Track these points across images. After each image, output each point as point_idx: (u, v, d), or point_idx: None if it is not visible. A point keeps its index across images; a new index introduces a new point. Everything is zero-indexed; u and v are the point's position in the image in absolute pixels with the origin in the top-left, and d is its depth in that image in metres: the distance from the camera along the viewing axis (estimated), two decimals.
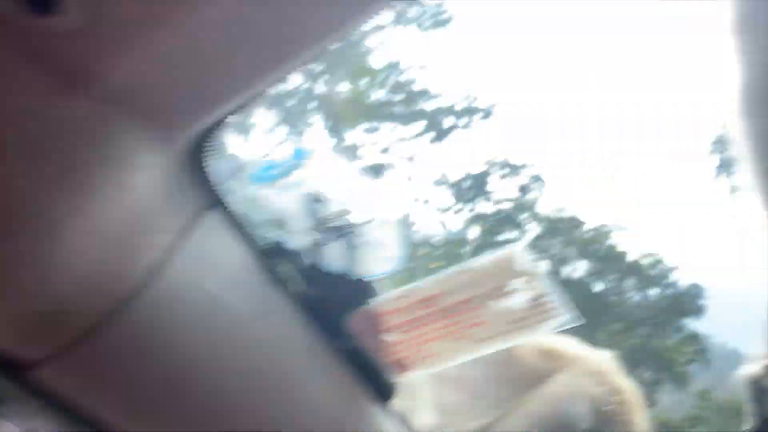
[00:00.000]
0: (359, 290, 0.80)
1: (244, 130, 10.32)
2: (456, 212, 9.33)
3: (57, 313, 0.54)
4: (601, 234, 9.28)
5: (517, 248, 0.90)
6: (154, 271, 0.59)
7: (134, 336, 0.59)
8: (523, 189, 9.31)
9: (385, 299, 0.85)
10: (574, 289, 8.65)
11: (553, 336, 1.00)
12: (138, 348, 0.60)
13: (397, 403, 0.91)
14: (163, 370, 0.63)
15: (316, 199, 0.82)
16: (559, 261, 8.98)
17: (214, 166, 0.66)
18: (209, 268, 0.65)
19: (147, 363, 0.62)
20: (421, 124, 9.69)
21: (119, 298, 0.57)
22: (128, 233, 0.57)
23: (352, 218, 0.78)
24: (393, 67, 9.87)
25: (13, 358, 0.56)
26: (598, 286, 9.29)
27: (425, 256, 8.60)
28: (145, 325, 0.59)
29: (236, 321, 0.68)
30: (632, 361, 8.26)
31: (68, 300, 0.54)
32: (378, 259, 0.80)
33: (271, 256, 0.74)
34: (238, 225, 0.70)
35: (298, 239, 0.75)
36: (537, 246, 8.72)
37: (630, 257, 9.31)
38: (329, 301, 0.79)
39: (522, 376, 1.15)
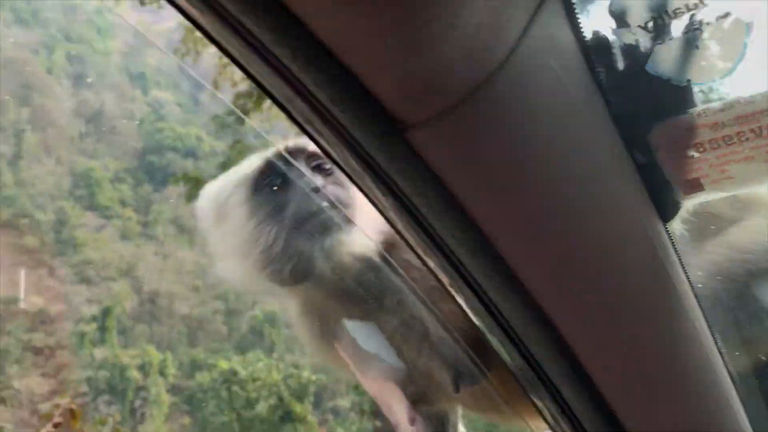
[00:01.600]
0: (676, 98, 0.77)
1: None
2: None
3: (439, 76, 0.58)
4: None
5: None
6: (513, 46, 0.60)
7: (496, 110, 0.63)
8: None
9: (701, 111, 0.80)
10: None
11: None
12: (497, 123, 0.64)
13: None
14: (513, 152, 0.67)
15: None
16: None
17: None
18: (552, 50, 0.66)
19: (501, 141, 0.66)
20: None
21: (488, 69, 0.60)
22: (495, 7, 0.58)
23: (700, 14, 0.72)
24: None
25: (394, 118, 0.62)
26: None
27: None
28: (505, 100, 0.63)
29: (569, 108, 0.69)
30: None
31: (449, 65, 0.58)
32: (710, 66, 0.74)
33: (599, 52, 0.72)
34: (573, 14, 0.69)
35: (630, 36, 0.72)
36: None
37: None
38: (642, 106, 0.76)
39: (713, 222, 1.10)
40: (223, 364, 23.95)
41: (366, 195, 0.69)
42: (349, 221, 1.47)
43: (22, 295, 46.11)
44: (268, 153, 1.61)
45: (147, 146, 60.35)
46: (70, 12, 65.23)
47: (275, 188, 1.52)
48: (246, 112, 13.00)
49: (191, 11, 0.56)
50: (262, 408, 22.22)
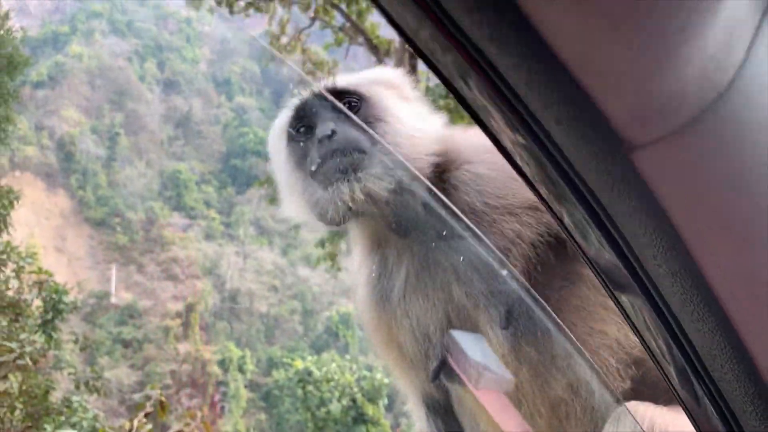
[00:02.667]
0: None
1: None
2: None
3: (674, 97, 0.60)
4: None
5: None
6: (740, 64, 0.62)
7: (722, 131, 0.64)
8: None
9: None
10: None
11: None
12: (722, 145, 0.65)
13: None
14: (734, 175, 0.67)
15: None
16: None
17: None
18: None
19: (724, 164, 0.66)
20: None
21: (718, 89, 0.61)
22: (728, 25, 0.59)
23: None
24: None
25: (620, 138, 0.63)
26: None
27: None
28: (731, 121, 0.64)
29: None
30: None
31: (685, 86, 0.59)
32: None
33: None
34: None
35: None
36: None
37: None
38: None
39: None
40: (299, 364, 24.39)
41: (574, 214, 0.69)
42: (370, 160, 1.40)
43: (113, 290, 48.73)
44: (301, 97, 1.58)
45: (231, 150, 62.57)
46: (162, 22, 68.52)
47: (300, 138, 1.52)
48: None
49: (408, 24, 0.59)
50: (335, 408, 22.48)
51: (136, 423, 5.15)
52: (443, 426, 1.58)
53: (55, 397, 8.41)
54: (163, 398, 5.76)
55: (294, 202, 1.59)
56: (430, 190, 1.37)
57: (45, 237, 44.68)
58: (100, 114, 59.72)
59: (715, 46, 0.59)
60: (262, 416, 46.28)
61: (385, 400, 22.94)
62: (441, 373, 1.42)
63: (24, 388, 7.55)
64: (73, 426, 7.78)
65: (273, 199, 14.20)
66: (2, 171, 38.50)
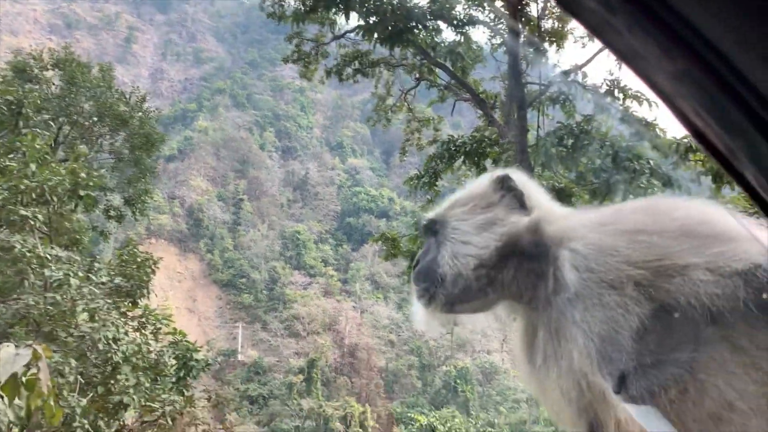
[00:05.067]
0: None
1: None
2: None
3: None
4: None
5: None
6: None
7: None
8: None
9: None
10: None
11: None
12: None
13: None
14: None
15: None
16: None
17: None
18: None
19: None
20: None
21: None
22: None
23: None
24: None
25: None
26: None
27: None
28: None
29: None
30: None
31: None
32: None
33: None
34: None
35: None
36: None
37: None
38: None
39: None
40: (421, 419, 24.11)
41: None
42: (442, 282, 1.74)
43: (239, 348, 50.92)
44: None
45: (345, 209, 64.67)
46: (278, 93, 73.22)
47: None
48: (437, 174, 13.55)
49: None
50: None
51: None
52: None
53: None
54: None
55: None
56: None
57: (178, 299, 47.83)
58: (225, 182, 64.10)
59: None
60: None
61: None
62: None
63: None
64: None
65: (388, 255, 14.42)
66: (139, 239, 42.01)
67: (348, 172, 67.16)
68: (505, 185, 1.71)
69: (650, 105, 10.83)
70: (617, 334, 1.38)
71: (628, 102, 11.72)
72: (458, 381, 48.63)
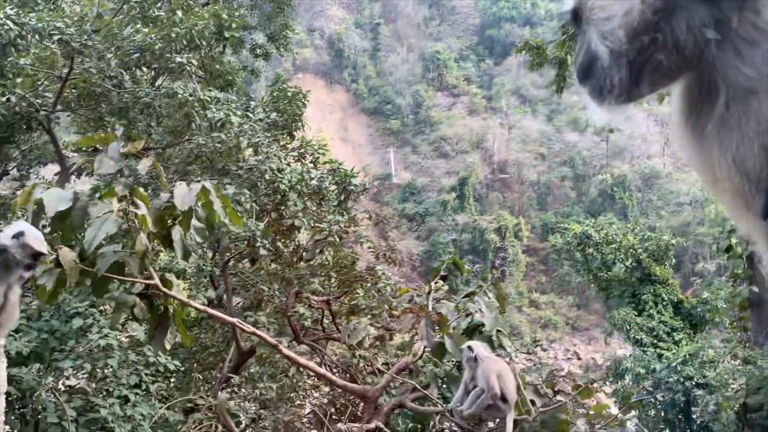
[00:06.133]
0: None
1: None
2: None
3: None
4: None
5: None
6: None
7: None
8: None
9: None
10: None
11: None
12: None
13: None
14: None
15: None
16: None
17: None
18: None
19: None
20: None
21: None
22: None
23: None
24: None
25: None
26: None
27: None
28: None
29: None
30: None
31: None
32: None
33: None
34: None
35: None
36: None
37: None
38: None
39: None
40: (576, 228, 24.19)
41: None
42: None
43: (393, 171, 53.20)
44: None
45: (485, 21, 61.26)
46: None
47: None
48: None
49: None
50: (618, 269, 22.15)
51: (433, 285, 5.70)
52: None
53: (360, 266, 9.82)
54: (455, 259, 6.27)
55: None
56: None
57: (331, 129, 50.03)
58: (360, 7, 62.85)
59: None
60: (542, 278, 47.76)
61: (672, 260, 21.85)
62: None
63: (336, 259, 8.98)
64: (378, 291, 9.06)
65: (533, 65, 13.60)
66: (287, 75, 43.46)
67: None
68: None
69: None
70: None
71: None
72: (615, 188, 47.52)
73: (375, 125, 57.58)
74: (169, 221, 3.69)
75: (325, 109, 53.42)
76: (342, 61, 58.79)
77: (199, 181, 3.65)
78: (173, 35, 8.44)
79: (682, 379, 16.16)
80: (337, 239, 8.38)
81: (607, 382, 19.27)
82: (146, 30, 8.51)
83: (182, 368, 7.52)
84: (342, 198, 9.26)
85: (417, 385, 5.03)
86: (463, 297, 5.60)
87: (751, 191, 1.37)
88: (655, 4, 1.33)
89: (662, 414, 17.63)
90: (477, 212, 48.85)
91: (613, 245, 22.30)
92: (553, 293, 45.71)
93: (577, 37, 1.55)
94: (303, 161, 9.65)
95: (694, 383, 16.02)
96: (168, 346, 3.91)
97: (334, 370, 7.83)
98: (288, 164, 8.72)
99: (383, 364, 7.46)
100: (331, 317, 8.46)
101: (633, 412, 16.50)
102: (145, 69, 9.32)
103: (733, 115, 1.34)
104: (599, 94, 1.46)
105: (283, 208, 8.28)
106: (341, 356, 8.45)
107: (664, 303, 20.47)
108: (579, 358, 38.58)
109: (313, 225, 8.20)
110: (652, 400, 17.36)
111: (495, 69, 58.74)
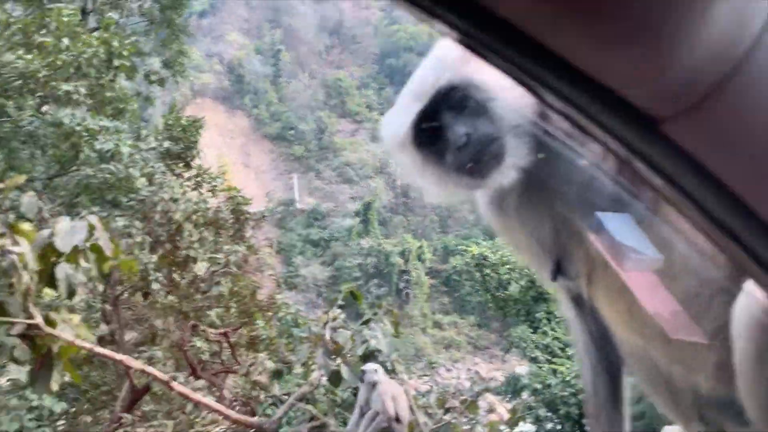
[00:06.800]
0: None
1: None
2: None
3: (684, 77, 0.71)
4: None
5: None
6: (756, 38, 0.71)
7: (743, 100, 0.74)
8: None
9: None
10: None
11: None
12: (746, 114, 0.74)
13: None
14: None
15: None
16: None
17: None
18: None
19: (754, 129, 0.76)
20: None
21: (731, 64, 0.72)
22: (731, 12, 0.69)
23: None
24: None
25: (647, 113, 0.76)
26: None
27: None
28: (750, 91, 0.73)
29: None
30: None
31: (694, 66, 0.71)
32: None
33: None
34: None
35: None
36: None
37: None
38: None
39: None
40: (474, 249, 25.08)
41: (642, 180, 0.80)
42: (507, 144, 1.49)
43: (296, 197, 52.88)
44: (417, 108, 1.64)
45: (384, 50, 62.70)
46: None
47: (431, 142, 1.58)
48: None
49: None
50: (514, 289, 23.08)
51: (331, 314, 5.76)
52: (590, 320, 1.81)
53: (263, 295, 9.72)
54: (354, 290, 6.34)
55: (440, 195, 1.77)
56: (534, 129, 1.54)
57: (233, 155, 49.06)
58: (261, 33, 62.53)
59: (723, 28, 0.68)
60: (445, 299, 48.85)
61: None
62: (558, 274, 1.63)
63: (235, 290, 8.87)
64: (279, 320, 9.01)
65: None
66: (186, 100, 42.45)
67: (384, 10, 64.14)
68: None
69: None
70: (596, 176, 1.46)
71: None
72: None
73: (278, 151, 57.06)
74: (53, 258, 3.59)
75: (226, 135, 52.44)
76: (243, 86, 58.04)
77: (83, 218, 3.59)
78: (59, 63, 8.15)
79: (575, 392, 16.97)
80: (236, 269, 8.31)
81: (506, 398, 19.97)
82: (29, 57, 8.17)
83: (71, 410, 7.14)
84: (237, 227, 9.19)
85: (315, 413, 5.10)
86: (360, 324, 5.74)
87: (544, 258, 1.66)
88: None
89: (559, 427, 18.40)
90: (382, 236, 49.33)
91: (509, 266, 23.23)
92: (456, 314, 46.77)
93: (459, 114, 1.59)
94: (200, 190, 9.51)
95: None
96: (55, 387, 3.77)
97: (234, 404, 7.70)
98: (183, 193, 8.58)
99: (284, 394, 7.43)
100: (230, 349, 8.32)
101: (532, 427, 17.20)
102: (29, 96, 8.91)
103: (530, 200, 1.63)
104: (481, 173, 1.56)
105: (178, 239, 8.12)
106: (242, 388, 8.32)
107: (557, 320, 21.42)
108: (482, 378, 39.59)
109: (210, 256, 8.09)
110: (549, 414, 18.11)
111: (395, 97, 59.67)
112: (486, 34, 0.72)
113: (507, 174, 1.53)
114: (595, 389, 1.83)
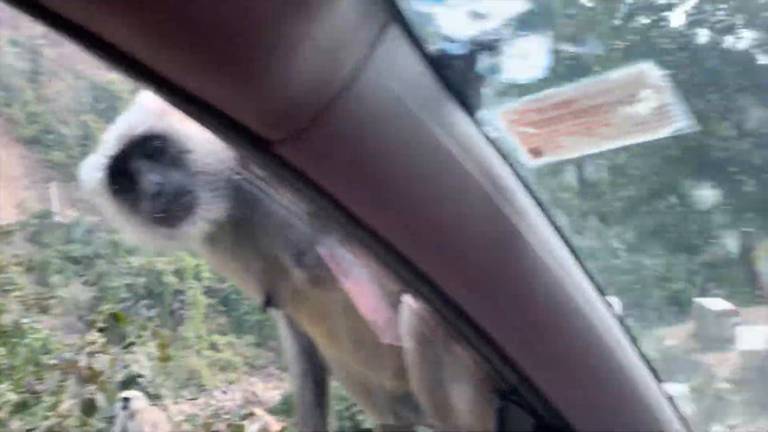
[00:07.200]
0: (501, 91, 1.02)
1: None
2: None
3: (285, 104, 0.79)
4: None
5: (649, 65, 1.04)
6: (354, 74, 0.82)
7: (344, 126, 0.85)
8: None
9: (527, 100, 1.07)
10: None
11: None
12: (350, 136, 0.86)
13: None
14: (370, 158, 0.89)
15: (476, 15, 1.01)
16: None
17: None
18: (394, 73, 0.88)
19: (358, 149, 0.88)
20: None
21: (331, 95, 0.80)
22: (332, 45, 0.77)
23: (504, 32, 0.97)
24: None
25: (261, 136, 0.83)
26: None
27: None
28: (353, 118, 0.84)
29: (415, 122, 0.91)
30: None
31: (295, 94, 0.79)
32: (523, 67, 1.00)
33: (441, 64, 0.96)
34: (415, 37, 0.91)
35: (460, 48, 0.96)
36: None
37: None
38: (483, 98, 1.02)
39: None
40: None
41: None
42: (192, 208, 1.64)
43: (55, 209, 47.47)
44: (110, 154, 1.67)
45: None
46: None
47: (125, 189, 1.64)
48: None
49: None
50: None
51: (87, 338, 5.36)
52: (298, 337, 2.05)
53: (9, 320, 8.56)
54: (116, 311, 5.97)
55: (137, 237, 1.76)
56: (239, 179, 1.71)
57: None
58: (17, 25, 55.35)
59: (320, 62, 0.77)
60: (223, 319, 47.26)
61: None
62: (268, 305, 1.82)
63: None
64: (26, 346, 8.00)
65: None
66: None
67: None
68: None
69: None
70: (297, 222, 1.68)
71: None
72: None
73: (34, 156, 50.86)
74: None
75: None
76: None
77: None
78: None
79: (348, 406, 17.57)
80: None
81: (283, 417, 19.93)
82: None
83: None
84: None
85: None
86: (122, 348, 5.41)
87: (257, 289, 1.85)
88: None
89: None
90: (154, 253, 46.30)
91: None
92: (233, 333, 45.63)
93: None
94: None
95: (358, 408, 17.54)
96: None
97: None
98: None
99: (28, 430, 6.64)
100: None
101: None
102: None
103: (240, 240, 1.80)
104: (170, 224, 1.63)
105: None
106: None
107: None
108: (257, 397, 39.05)
109: None
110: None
111: None
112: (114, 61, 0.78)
113: (198, 226, 1.62)
114: (303, 394, 2.06)
